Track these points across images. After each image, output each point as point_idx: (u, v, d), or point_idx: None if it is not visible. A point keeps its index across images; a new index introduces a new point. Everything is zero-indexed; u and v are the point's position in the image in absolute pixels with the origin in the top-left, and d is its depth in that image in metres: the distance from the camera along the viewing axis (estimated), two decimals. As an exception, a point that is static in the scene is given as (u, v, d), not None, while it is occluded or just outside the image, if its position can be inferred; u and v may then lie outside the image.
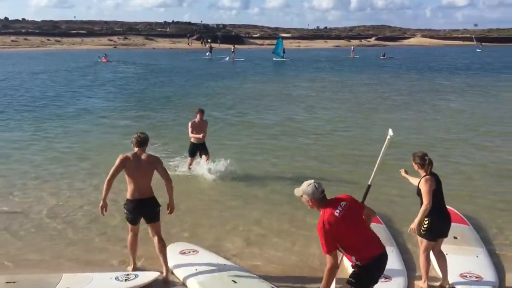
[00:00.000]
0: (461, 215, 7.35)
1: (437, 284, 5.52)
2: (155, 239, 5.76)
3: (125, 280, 5.59)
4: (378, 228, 6.90)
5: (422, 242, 5.40)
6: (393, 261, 6.03)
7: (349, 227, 4.07)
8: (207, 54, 60.65)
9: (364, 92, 24.89)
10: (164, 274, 5.72)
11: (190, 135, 9.82)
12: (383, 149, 4.92)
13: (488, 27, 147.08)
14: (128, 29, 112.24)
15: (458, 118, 16.65)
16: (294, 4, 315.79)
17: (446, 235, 5.50)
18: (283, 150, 12.46)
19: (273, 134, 14.48)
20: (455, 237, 6.36)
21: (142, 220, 5.85)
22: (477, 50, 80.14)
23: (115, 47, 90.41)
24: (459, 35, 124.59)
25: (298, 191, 4.23)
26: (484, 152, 11.92)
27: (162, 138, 13.72)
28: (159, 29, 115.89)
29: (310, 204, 4.19)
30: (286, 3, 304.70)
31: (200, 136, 9.71)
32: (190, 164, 10.17)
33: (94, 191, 9.07)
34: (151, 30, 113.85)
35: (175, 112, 18.50)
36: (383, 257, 4.20)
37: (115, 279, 5.62)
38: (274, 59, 52.76)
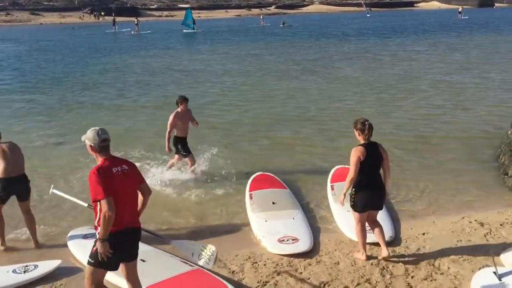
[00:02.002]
0: None
1: (378, 256, 5.46)
2: (26, 215, 6.09)
3: (24, 272, 5.32)
4: (283, 193, 7.19)
5: (354, 214, 5.36)
6: (299, 223, 6.34)
7: (118, 190, 3.96)
8: (114, 28, 56.91)
9: (258, 63, 24.46)
10: (34, 244, 6.12)
11: (168, 132, 8.26)
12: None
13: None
14: (10, 4, 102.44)
15: (350, 86, 17.02)
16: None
17: (377, 207, 5.40)
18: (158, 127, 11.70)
19: (152, 113, 13.73)
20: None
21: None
22: (367, 15, 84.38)
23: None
24: (354, 1, 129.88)
25: (83, 137, 4.19)
26: (376, 119, 12.12)
27: (55, 121, 12.91)
28: (46, 3, 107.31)
29: (91, 151, 4.12)
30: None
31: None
32: (175, 163, 8.62)
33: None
34: (37, 4, 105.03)
35: (66, 93, 17.32)
36: (135, 232, 4.18)
37: (12, 272, 5.35)
38: (184, 31, 50.85)
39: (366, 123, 5.22)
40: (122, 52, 31.98)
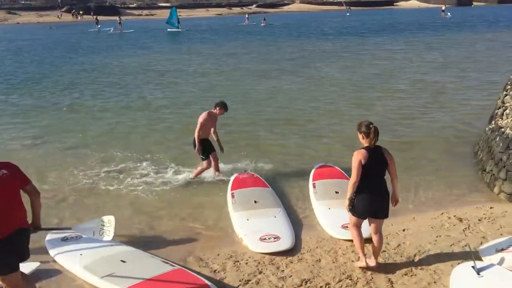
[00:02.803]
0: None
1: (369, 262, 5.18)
2: None
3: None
4: (265, 192, 7.18)
5: (350, 218, 5.16)
6: (281, 221, 6.34)
7: None
8: (97, 27, 56.00)
9: (236, 62, 24.02)
10: None
11: (197, 130, 7.85)
12: None
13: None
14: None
15: (328, 85, 16.85)
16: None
17: (380, 215, 5.05)
18: (126, 134, 11.53)
19: (130, 114, 13.49)
20: (337, 192, 6.90)
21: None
22: (347, 14, 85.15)
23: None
24: (335, 0, 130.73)
25: None
26: (355, 119, 11.56)
27: (30, 123, 12.69)
28: (23, 2, 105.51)
29: None
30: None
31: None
32: (205, 169, 8.10)
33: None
34: (14, 3, 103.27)
35: (43, 94, 16.98)
36: (20, 233, 4.18)
37: (-11, 276, 5.17)
38: (168, 30, 50.11)
39: (371, 126, 4.87)
40: (103, 52, 31.50)
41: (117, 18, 57.05)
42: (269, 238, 5.84)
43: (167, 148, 10.15)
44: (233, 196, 7.03)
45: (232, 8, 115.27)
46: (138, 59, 26.87)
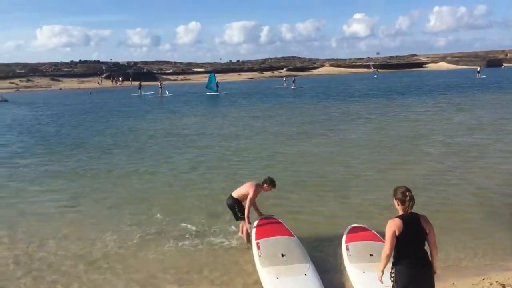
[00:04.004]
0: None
1: None
2: None
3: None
4: (290, 241, 7.05)
5: None
6: (312, 280, 6.16)
7: None
8: (140, 91, 58.79)
9: (262, 126, 24.14)
10: None
11: (248, 206, 7.86)
12: None
13: (389, 54, 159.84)
14: (31, 70, 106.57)
15: (357, 148, 16.64)
16: (205, 40, 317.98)
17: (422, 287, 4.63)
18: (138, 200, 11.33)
19: (165, 179, 13.42)
20: (371, 255, 6.68)
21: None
22: (374, 76, 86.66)
23: (18, 90, 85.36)
24: (364, 63, 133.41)
25: None
26: (387, 182, 11.14)
27: (64, 186, 12.93)
28: (66, 69, 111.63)
29: None
30: (197, 39, 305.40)
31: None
32: (249, 229, 7.97)
33: None
34: (57, 71, 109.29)
35: (80, 157, 17.45)
36: None
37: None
38: (207, 93, 52.40)
39: (407, 194, 4.59)
40: (140, 116, 32.22)
41: (158, 83, 60.31)
42: None
43: (198, 211, 10.10)
44: (258, 248, 6.90)
45: (263, 72, 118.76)
46: (171, 122, 27.62)
